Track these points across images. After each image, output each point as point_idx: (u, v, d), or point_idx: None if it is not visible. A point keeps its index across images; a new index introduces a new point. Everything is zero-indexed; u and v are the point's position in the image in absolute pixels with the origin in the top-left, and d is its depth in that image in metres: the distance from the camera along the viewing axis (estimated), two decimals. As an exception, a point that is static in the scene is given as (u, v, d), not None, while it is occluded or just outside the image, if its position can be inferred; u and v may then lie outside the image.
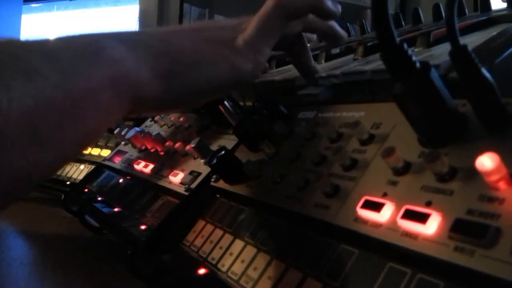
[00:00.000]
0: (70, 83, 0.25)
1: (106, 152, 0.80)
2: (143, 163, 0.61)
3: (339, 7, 0.39)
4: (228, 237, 0.37)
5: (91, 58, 0.27)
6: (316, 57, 0.53)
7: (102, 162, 0.73)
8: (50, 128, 0.24)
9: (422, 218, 0.24)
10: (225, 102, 0.52)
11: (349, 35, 0.70)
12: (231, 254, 0.35)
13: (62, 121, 0.25)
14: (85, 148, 0.28)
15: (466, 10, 0.54)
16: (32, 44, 0.26)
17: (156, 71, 0.31)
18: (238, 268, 0.33)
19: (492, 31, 0.38)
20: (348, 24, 0.72)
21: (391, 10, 0.36)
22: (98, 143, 0.85)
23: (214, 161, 0.42)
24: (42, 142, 0.24)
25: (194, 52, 0.33)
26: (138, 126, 0.74)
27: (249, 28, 0.36)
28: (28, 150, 0.24)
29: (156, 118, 0.70)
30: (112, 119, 0.29)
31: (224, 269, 0.34)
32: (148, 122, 0.74)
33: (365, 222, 0.27)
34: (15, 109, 0.22)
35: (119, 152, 0.72)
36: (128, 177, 0.62)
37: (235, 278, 0.33)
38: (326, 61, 0.53)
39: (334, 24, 0.42)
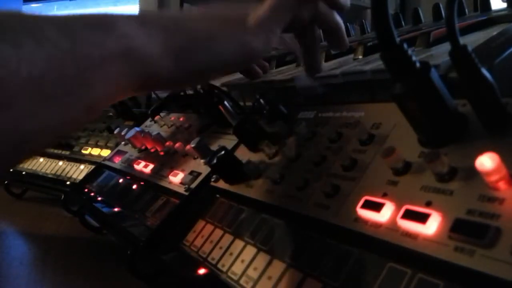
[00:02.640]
0: (81, 51, 0.26)
1: (106, 152, 0.80)
2: (143, 163, 0.61)
3: (348, 2, 0.40)
4: (228, 237, 0.37)
5: (102, 30, 0.28)
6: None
7: (102, 162, 0.73)
8: (58, 92, 0.25)
9: (422, 218, 0.24)
10: (225, 102, 0.52)
11: (349, 35, 0.70)
12: (231, 254, 0.35)
13: (71, 86, 0.26)
14: (92, 118, 0.29)
15: (466, 10, 0.54)
16: (43, 15, 0.27)
17: (167, 47, 0.31)
18: (238, 268, 0.33)
19: (492, 31, 0.38)
20: (348, 24, 0.72)
21: (391, 10, 0.36)
22: (98, 143, 0.85)
23: (214, 161, 0.42)
24: (50, 104, 0.25)
25: (206, 30, 0.34)
26: (138, 126, 0.74)
27: (262, 7, 0.37)
28: (35, 111, 0.24)
29: (156, 118, 0.70)
30: (120, 92, 0.30)
31: (224, 269, 0.34)
32: (148, 122, 0.74)
33: (365, 222, 0.27)
34: (24, 69, 0.23)
35: (119, 152, 0.72)
36: (128, 177, 0.62)
37: (235, 278, 0.33)
38: (326, 61, 0.53)
39: (342, 28, 0.42)
